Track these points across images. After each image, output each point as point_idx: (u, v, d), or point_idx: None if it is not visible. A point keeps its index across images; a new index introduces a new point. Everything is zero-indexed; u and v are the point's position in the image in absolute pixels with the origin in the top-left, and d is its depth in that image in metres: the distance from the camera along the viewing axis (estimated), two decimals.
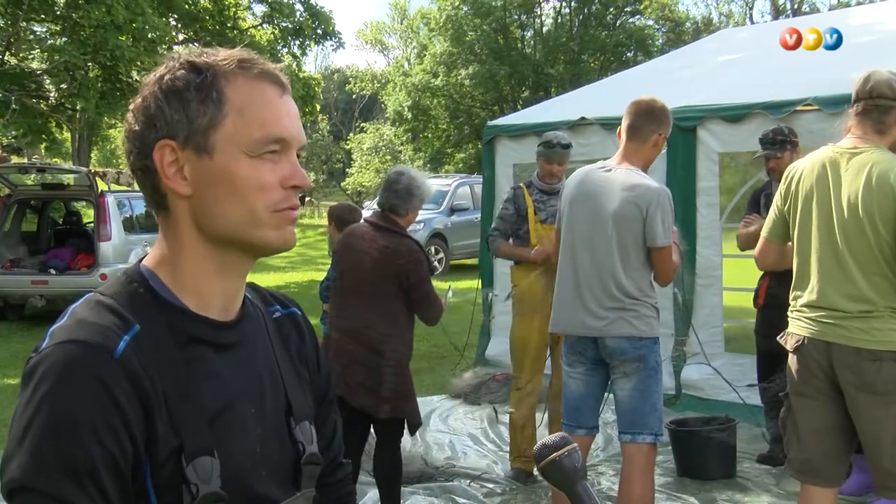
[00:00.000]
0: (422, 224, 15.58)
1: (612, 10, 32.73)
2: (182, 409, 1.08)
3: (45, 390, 1.01)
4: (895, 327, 2.97)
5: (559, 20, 33.58)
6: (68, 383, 1.01)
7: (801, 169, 3.19)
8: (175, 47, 14.84)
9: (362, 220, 4.20)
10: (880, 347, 2.96)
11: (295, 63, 16.99)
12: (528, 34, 33.44)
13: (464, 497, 4.70)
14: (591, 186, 3.66)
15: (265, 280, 14.08)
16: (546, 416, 5.07)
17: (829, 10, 28.55)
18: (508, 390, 5.53)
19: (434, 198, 16.58)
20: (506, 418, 5.46)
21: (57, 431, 1.00)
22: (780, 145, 4.80)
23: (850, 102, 3.15)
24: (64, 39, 13.71)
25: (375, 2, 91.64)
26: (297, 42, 16.62)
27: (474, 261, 11.57)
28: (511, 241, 4.99)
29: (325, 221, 11.08)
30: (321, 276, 4.93)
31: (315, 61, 60.30)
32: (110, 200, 10.55)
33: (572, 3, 32.87)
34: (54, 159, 25.51)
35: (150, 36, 13.31)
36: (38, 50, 15.09)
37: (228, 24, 16.16)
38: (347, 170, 40.82)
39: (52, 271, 10.47)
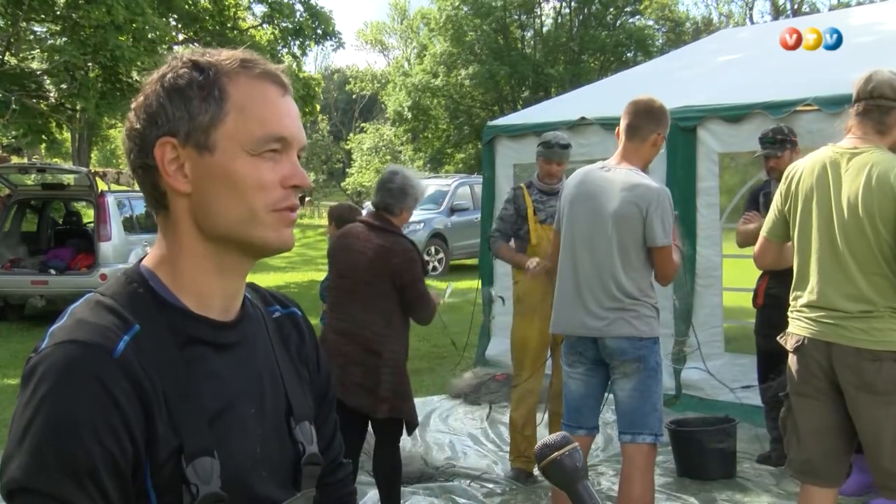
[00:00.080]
0: (422, 224, 15.59)
1: (612, 10, 32.75)
2: (182, 409, 1.08)
3: (44, 390, 1.01)
4: (895, 327, 2.97)
5: (559, 20, 33.59)
6: (68, 383, 1.01)
7: (802, 169, 3.19)
8: (175, 47, 14.85)
9: (357, 220, 4.20)
10: (880, 347, 2.96)
11: (295, 63, 17.01)
12: (528, 34, 33.45)
13: (464, 497, 4.70)
14: (591, 186, 3.66)
15: (265, 280, 14.08)
16: (546, 416, 5.07)
17: (829, 10, 28.58)
18: (508, 390, 5.53)
19: (434, 198, 16.59)
20: (505, 418, 5.46)
21: (57, 431, 1.00)
22: (780, 144, 4.80)
23: (851, 102, 3.15)
24: (64, 39, 13.72)
25: (375, 2, 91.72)
26: (297, 42, 16.64)
27: (474, 261, 11.57)
28: (512, 241, 5.00)
29: (325, 221, 11.09)
30: (321, 276, 4.93)
31: (315, 61, 60.40)
32: (110, 200, 10.56)
33: (572, 3, 32.88)
34: (54, 159, 25.52)
35: (150, 36, 13.33)
36: (38, 50, 15.10)
37: (228, 25, 16.17)
38: (347, 170, 40.83)
39: (52, 271, 10.48)
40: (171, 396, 1.07)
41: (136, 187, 1.28)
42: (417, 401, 4.12)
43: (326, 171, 43.10)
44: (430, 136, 33.33)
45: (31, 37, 15.31)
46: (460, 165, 32.25)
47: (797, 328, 3.16)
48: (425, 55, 32.71)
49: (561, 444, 1.18)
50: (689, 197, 6.04)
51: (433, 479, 4.99)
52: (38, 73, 14.47)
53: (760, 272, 4.83)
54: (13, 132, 15.16)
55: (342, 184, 39.67)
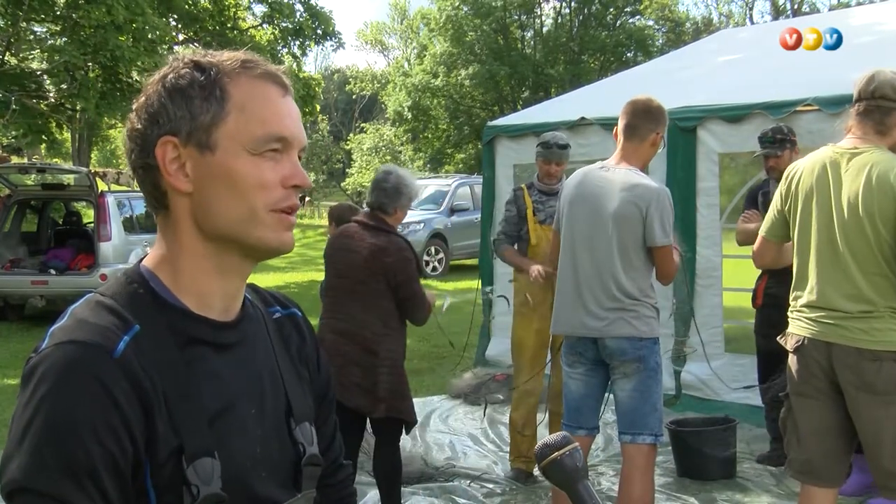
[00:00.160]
0: (422, 224, 15.59)
1: (612, 10, 32.76)
2: (182, 410, 1.08)
3: (44, 391, 1.01)
4: (895, 327, 2.97)
5: (559, 20, 33.60)
6: (68, 384, 1.01)
7: (801, 169, 3.19)
8: (175, 48, 14.87)
9: (352, 220, 4.20)
10: (880, 347, 2.96)
11: (295, 63, 17.01)
12: (528, 34, 33.46)
13: (464, 497, 4.70)
14: (591, 187, 3.66)
15: (265, 280, 14.08)
16: (546, 416, 5.07)
17: (829, 10, 28.58)
18: (508, 390, 5.53)
19: (434, 198, 16.60)
20: (505, 418, 5.46)
21: (57, 432, 1.00)
22: (780, 144, 4.80)
23: (852, 102, 3.15)
24: (64, 39, 13.72)
25: (375, 2, 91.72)
26: (297, 42, 16.65)
27: (474, 261, 11.57)
28: (516, 245, 5.00)
29: (325, 221, 11.09)
30: (321, 276, 4.91)
31: (315, 62, 60.42)
32: (110, 200, 10.56)
33: (572, 4, 32.88)
34: (54, 159, 25.51)
35: (150, 36, 13.33)
36: (38, 50, 15.11)
37: (228, 25, 16.19)
38: (347, 170, 40.83)
39: (52, 271, 10.48)
40: (171, 396, 1.07)
41: (137, 187, 1.28)
42: (417, 401, 4.12)
43: (326, 172, 43.09)
44: (430, 136, 33.33)
45: (31, 37, 15.32)
46: (460, 165, 32.25)
47: (797, 328, 3.16)
48: (425, 55, 32.72)
49: (561, 444, 1.18)
50: (689, 197, 6.04)
51: (433, 479, 4.99)
52: (38, 73, 14.47)
53: (759, 272, 4.83)
54: (13, 132, 15.16)
55: (342, 184, 39.69)
